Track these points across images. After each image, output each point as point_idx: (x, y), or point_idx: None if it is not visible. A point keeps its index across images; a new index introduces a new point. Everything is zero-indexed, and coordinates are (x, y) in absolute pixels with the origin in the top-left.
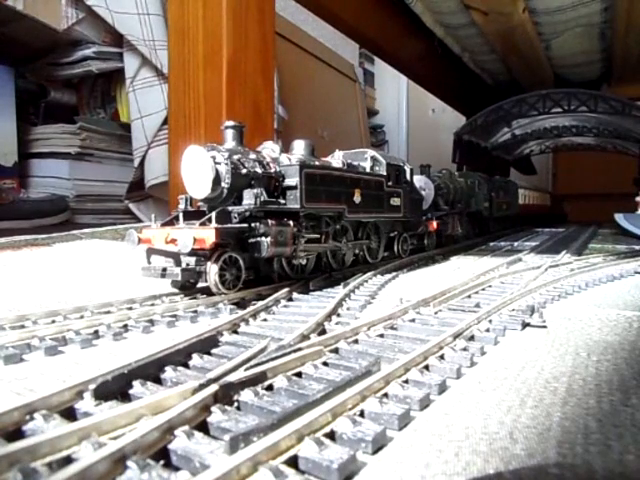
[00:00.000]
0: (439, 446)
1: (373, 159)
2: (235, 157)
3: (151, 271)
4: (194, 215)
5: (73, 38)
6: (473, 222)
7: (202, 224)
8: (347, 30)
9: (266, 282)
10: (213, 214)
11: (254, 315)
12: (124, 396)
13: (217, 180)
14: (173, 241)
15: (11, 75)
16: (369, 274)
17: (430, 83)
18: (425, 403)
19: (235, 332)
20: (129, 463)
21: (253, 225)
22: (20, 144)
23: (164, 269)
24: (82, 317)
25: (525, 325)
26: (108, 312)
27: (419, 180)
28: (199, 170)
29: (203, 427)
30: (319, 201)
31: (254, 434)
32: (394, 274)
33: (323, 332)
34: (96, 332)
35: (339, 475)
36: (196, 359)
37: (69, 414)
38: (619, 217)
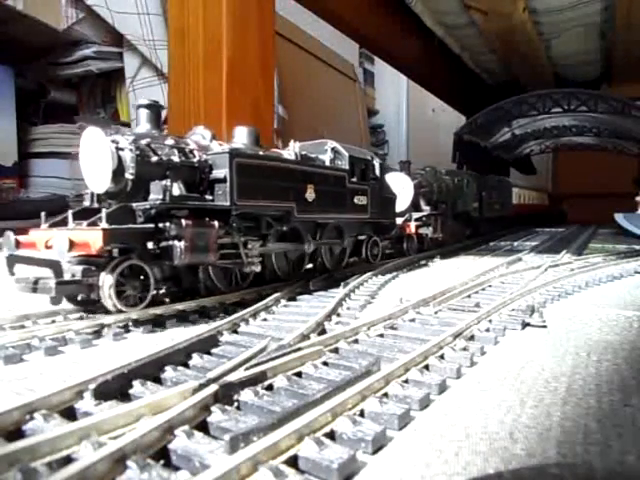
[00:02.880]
0: (439, 446)
1: (334, 151)
2: (144, 142)
3: (22, 284)
4: (94, 213)
5: (73, 38)
6: (461, 224)
7: (92, 224)
8: (347, 30)
9: (191, 294)
10: (104, 212)
11: (254, 315)
12: (124, 396)
13: (120, 170)
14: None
15: (11, 75)
16: (369, 274)
17: (430, 83)
18: (425, 403)
19: (235, 332)
20: (129, 463)
21: (161, 226)
22: (20, 144)
23: (36, 282)
24: (82, 318)
25: (525, 325)
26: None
27: (395, 177)
28: (97, 158)
29: (203, 427)
30: (257, 197)
31: (254, 434)
32: (394, 274)
33: (323, 332)
34: (97, 332)
35: (339, 475)
36: (196, 359)
37: (69, 414)
38: (619, 217)
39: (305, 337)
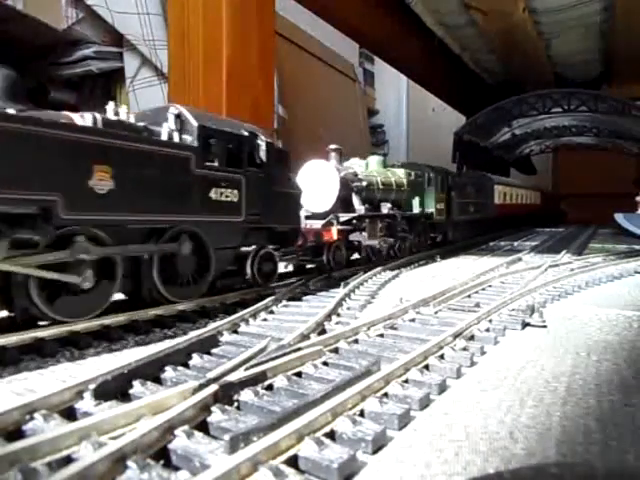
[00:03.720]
0: (439, 446)
1: (179, 120)
2: None
3: None
4: None
5: (73, 38)
6: (422, 229)
7: None
8: (347, 30)
9: None
10: None
11: (254, 315)
12: (124, 396)
13: None
14: None
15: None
16: (369, 273)
17: (430, 83)
18: (425, 403)
19: (235, 332)
20: (129, 463)
21: None
22: None
23: None
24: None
25: (525, 325)
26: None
27: (315, 168)
28: None
29: (203, 427)
30: None
31: (254, 434)
32: (394, 273)
33: (323, 332)
34: (97, 332)
35: (339, 475)
36: (196, 359)
37: (69, 414)
38: (619, 217)
39: (305, 337)
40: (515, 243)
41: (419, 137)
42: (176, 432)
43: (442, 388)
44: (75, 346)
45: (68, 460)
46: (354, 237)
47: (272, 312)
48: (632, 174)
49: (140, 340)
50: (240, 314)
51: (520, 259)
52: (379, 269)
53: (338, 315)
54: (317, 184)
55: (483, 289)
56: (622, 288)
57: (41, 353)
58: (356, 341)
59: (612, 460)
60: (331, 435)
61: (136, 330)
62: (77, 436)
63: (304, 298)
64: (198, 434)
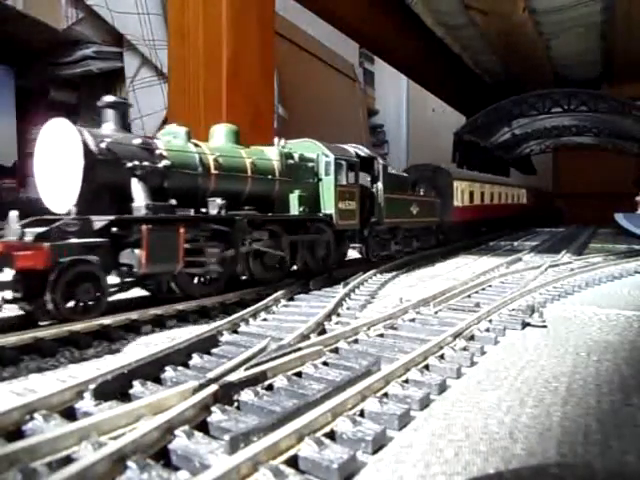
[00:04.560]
0: (439, 446)
1: None
2: None
3: None
4: None
5: (73, 38)
6: (319, 241)
7: None
8: (347, 30)
9: None
10: None
11: (254, 315)
12: (124, 396)
13: None
14: None
15: (11, 75)
16: (369, 273)
17: (430, 83)
18: (425, 403)
19: (235, 332)
20: (129, 463)
21: None
22: (20, 144)
23: None
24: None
25: (525, 325)
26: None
27: (51, 132)
28: None
29: (203, 427)
30: None
31: (254, 434)
32: (395, 273)
33: (323, 332)
34: (97, 332)
35: (339, 475)
36: (196, 359)
37: (69, 414)
38: (619, 217)
39: (305, 337)
40: (515, 243)
41: (419, 137)
42: (176, 432)
43: (442, 388)
44: (75, 346)
45: (68, 460)
46: (127, 259)
47: (272, 312)
48: (632, 174)
49: (140, 340)
50: (240, 314)
51: (520, 259)
52: (377, 270)
53: (338, 315)
54: (55, 163)
55: (483, 289)
56: (622, 288)
57: (41, 353)
58: (356, 341)
59: (612, 460)
60: (331, 435)
61: (136, 330)
62: (77, 436)
63: (304, 298)
64: (198, 434)
